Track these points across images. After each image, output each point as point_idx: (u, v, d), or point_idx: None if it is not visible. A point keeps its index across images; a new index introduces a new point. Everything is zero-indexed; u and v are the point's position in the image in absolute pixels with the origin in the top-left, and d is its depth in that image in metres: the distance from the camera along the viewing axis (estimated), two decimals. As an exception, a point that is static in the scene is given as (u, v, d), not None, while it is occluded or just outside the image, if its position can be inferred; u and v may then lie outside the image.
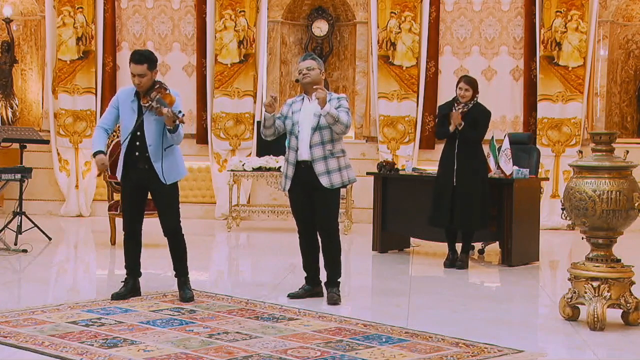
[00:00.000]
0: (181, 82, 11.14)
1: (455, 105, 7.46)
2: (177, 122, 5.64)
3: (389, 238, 8.54)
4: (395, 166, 8.82)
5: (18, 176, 8.39)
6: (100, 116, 11.39)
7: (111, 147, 8.83)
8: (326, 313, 5.46)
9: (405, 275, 7.33)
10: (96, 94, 11.52)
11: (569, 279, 5.33)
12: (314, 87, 5.75)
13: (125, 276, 5.94)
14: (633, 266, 5.28)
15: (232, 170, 10.23)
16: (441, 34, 11.40)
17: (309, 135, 5.80)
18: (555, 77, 10.89)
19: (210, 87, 11.30)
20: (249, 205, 11.16)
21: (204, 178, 11.53)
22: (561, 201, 5.34)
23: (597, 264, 5.20)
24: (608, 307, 5.14)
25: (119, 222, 8.54)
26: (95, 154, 5.79)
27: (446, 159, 7.52)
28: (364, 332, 4.94)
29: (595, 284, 5.14)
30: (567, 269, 5.42)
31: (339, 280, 5.95)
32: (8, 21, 11.72)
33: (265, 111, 5.84)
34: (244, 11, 11.28)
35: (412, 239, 8.75)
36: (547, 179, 10.32)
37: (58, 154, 11.62)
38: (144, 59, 5.70)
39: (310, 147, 5.80)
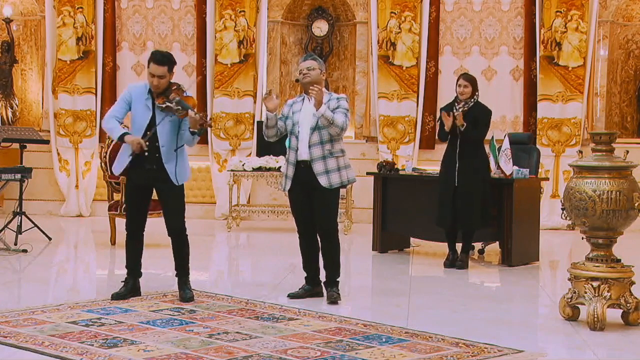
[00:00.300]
0: (181, 82, 11.06)
1: (456, 104, 7.47)
2: (205, 126, 5.63)
3: (389, 238, 8.54)
4: (395, 166, 8.82)
5: (18, 176, 8.39)
6: (101, 116, 11.50)
7: (111, 146, 8.84)
8: (326, 313, 5.46)
9: (405, 275, 7.33)
10: (96, 94, 11.53)
11: (569, 279, 5.33)
12: (311, 87, 5.75)
13: (126, 276, 5.94)
14: (633, 266, 5.28)
15: (232, 170, 10.24)
16: (441, 34, 11.40)
17: (308, 135, 5.80)
18: (555, 77, 10.89)
19: (210, 87, 11.31)
20: (249, 205, 11.16)
21: (204, 178, 11.53)
22: (561, 201, 5.34)
23: (597, 264, 5.20)
24: (608, 307, 5.14)
25: (119, 222, 8.60)
26: (122, 137, 5.68)
27: (448, 159, 7.53)
28: (364, 332, 4.93)
29: (595, 284, 5.14)
30: (567, 269, 5.42)
31: (338, 280, 5.95)
32: (8, 21, 11.72)
33: (267, 110, 5.84)
34: (244, 11, 11.28)
35: (412, 239, 8.75)
36: (547, 179, 10.32)
37: (58, 154, 11.62)
38: (166, 60, 5.70)
39: (309, 147, 5.80)
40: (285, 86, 11.79)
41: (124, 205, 8.33)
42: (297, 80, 6.00)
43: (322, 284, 6.04)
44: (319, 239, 5.96)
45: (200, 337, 4.74)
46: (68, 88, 11.48)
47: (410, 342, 4.69)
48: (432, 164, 9.83)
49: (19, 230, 8.56)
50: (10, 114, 11.90)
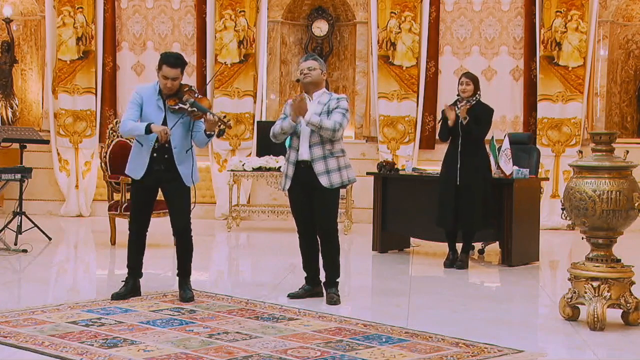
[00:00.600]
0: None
1: (458, 104, 7.47)
2: (222, 127, 5.62)
3: (389, 238, 8.54)
4: (395, 166, 8.82)
5: (18, 176, 8.38)
6: (100, 116, 11.50)
7: (111, 147, 8.84)
8: (326, 313, 5.46)
9: (405, 275, 7.33)
10: (96, 94, 11.53)
11: (569, 279, 5.33)
12: (293, 97, 5.74)
13: (126, 276, 5.94)
14: (633, 266, 5.28)
15: (232, 170, 10.24)
16: (441, 34, 11.40)
17: (308, 135, 5.80)
18: (555, 77, 10.89)
19: (210, 87, 11.30)
20: (249, 205, 11.16)
21: (204, 178, 11.50)
22: (561, 201, 5.34)
23: (597, 264, 5.20)
24: (608, 307, 5.14)
25: (119, 222, 8.61)
26: (148, 128, 5.55)
27: (450, 158, 7.53)
28: (364, 332, 4.93)
29: (595, 284, 5.14)
30: (567, 269, 5.42)
31: (337, 280, 5.95)
32: (8, 21, 11.72)
33: (292, 120, 5.76)
34: (244, 11, 11.28)
35: (412, 239, 8.75)
36: (547, 179, 10.32)
37: (58, 154, 11.62)
38: (179, 62, 5.68)
39: (310, 146, 5.80)
40: (285, 86, 11.79)
41: (124, 205, 8.35)
42: (298, 80, 6.00)
43: (322, 284, 6.04)
44: (319, 239, 5.96)
45: (200, 337, 4.74)
46: (68, 88, 11.48)
47: (410, 342, 4.69)
48: (432, 164, 9.83)
49: (19, 230, 8.56)
50: (10, 114, 11.90)
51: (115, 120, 9.52)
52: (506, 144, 7.68)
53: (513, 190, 7.66)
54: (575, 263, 5.33)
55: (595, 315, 5.08)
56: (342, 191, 8.33)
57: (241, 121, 11.33)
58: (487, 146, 7.68)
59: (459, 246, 7.66)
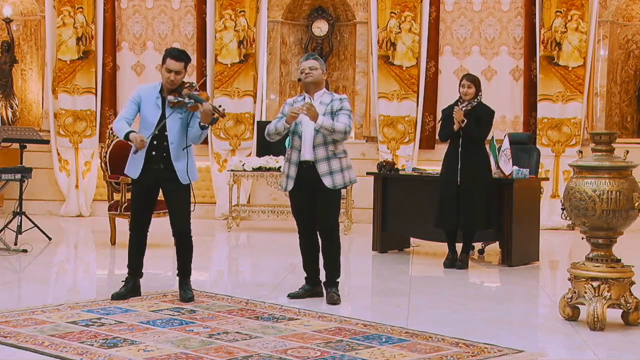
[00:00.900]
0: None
1: (459, 104, 7.47)
2: (217, 115, 5.62)
3: (389, 238, 8.54)
4: (395, 166, 8.82)
5: (18, 176, 8.38)
6: (101, 116, 11.50)
7: (111, 147, 8.84)
8: (326, 313, 5.46)
9: (405, 275, 7.33)
10: (96, 94, 11.53)
11: (569, 279, 5.33)
12: (304, 103, 5.73)
13: (127, 275, 5.94)
14: (633, 266, 5.28)
15: (232, 170, 10.24)
16: (441, 34, 11.40)
17: (311, 135, 5.80)
18: (555, 77, 10.89)
19: (210, 87, 11.30)
20: (249, 205, 11.16)
21: (204, 178, 11.52)
22: (561, 201, 5.34)
23: (597, 264, 5.20)
24: (608, 307, 5.14)
25: (119, 222, 8.61)
26: (127, 136, 5.62)
27: (450, 159, 7.53)
28: (364, 332, 4.93)
29: (595, 284, 5.14)
30: (567, 269, 5.42)
31: (338, 280, 5.95)
32: (8, 21, 11.72)
33: (286, 121, 5.80)
34: (244, 11, 11.28)
35: (412, 239, 8.75)
36: (547, 179, 10.32)
37: (58, 154, 11.62)
38: (183, 56, 5.74)
39: (314, 147, 5.79)
40: (285, 86, 11.79)
41: (124, 205, 8.35)
42: (299, 80, 6.00)
43: (322, 284, 6.04)
44: (320, 239, 5.97)
45: (200, 337, 4.74)
46: (68, 88, 11.48)
47: (410, 342, 4.69)
48: (432, 164, 9.83)
49: (19, 230, 8.56)
50: (10, 114, 11.90)
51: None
52: (506, 144, 7.68)
53: (513, 190, 7.65)
54: (575, 263, 5.33)
55: (595, 315, 5.08)
56: (342, 191, 8.32)
57: (241, 121, 11.33)
58: (487, 146, 7.69)
59: (458, 246, 7.66)
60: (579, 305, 5.31)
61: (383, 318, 5.36)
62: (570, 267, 5.35)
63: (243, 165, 10.15)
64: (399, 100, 11.21)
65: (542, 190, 8.61)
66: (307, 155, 5.82)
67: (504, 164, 7.67)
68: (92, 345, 4.52)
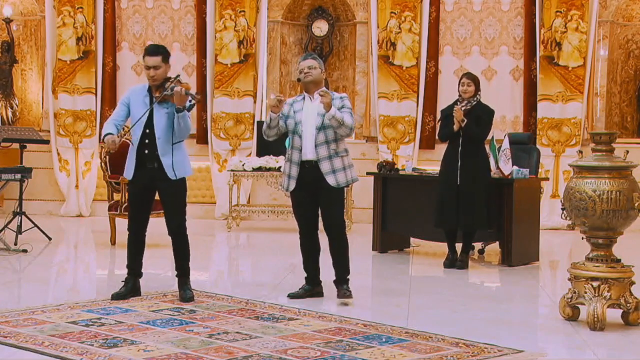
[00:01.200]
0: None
1: (458, 103, 7.47)
2: (191, 100, 5.61)
3: (389, 238, 8.54)
4: (395, 166, 8.82)
5: (18, 176, 8.39)
6: (101, 116, 11.50)
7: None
8: (326, 313, 5.46)
9: (405, 275, 7.33)
10: (96, 94, 11.53)
11: (569, 279, 5.33)
12: (318, 91, 5.76)
13: (126, 276, 5.94)
14: (633, 266, 5.28)
15: (232, 170, 10.24)
16: (441, 34, 11.40)
17: (313, 134, 5.80)
18: (555, 77, 10.89)
19: (210, 87, 11.31)
20: (249, 205, 11.16)
21: (204, 178, 11.53)
22: (561, 201, 5.34)
23: (597, 264, 5.20)
24: (608, 307, 5.14)
25: (119, 222, 8.60)
26: (104, 136, 5.71)
27: (449, 158, 7.52)
28: (364, 332, 4.93)
29: (595, 284, 5.14)
30: (567, 269, 5.42)
31: (348, 277, 5.95)
32: (8, 21, 11.72)
33: (271, 111, 5.84)
34: (244, 11, 11.28)
35: (412, 239, 8.75)
36: (547, 179, 10.32)
37: (58, 154, 11.62)
38: (159, 50, 5.81)
39: (316, 146, 5.79)
40: (285, 86, 11.79)
41: (124, 205, 8.35)
42: (298, 80, 6.00)
43: (321, 284, 6.05)
44: (319, 239, 5.97)
45: (200, 337, 4.74)
46: (68, 88, 11.48)
47: (410, 342, 4.69)
48: (432, 164, 9.82)
49: (19, 230, 8.56)
50: (10, 114, 11.90)
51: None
52: (506, 144, 7.67)
53: (513, 190, 7.65)
54: (575, 263, 5.33)
55: (595, 315, 5.08)
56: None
57: (241, 121, 11.33)
58: (487, 146, 7.69)
59: (458, 246, 7.66)
60: (579, 305, 5.31)
61: (383, 318, 5.36)
62: (570, 267, 5.35)
63: (243, 165, 10.15)
64: (399, 100, 11.21)
65: (542, 190, 8.61)
66: (309, 154, 5.82)
67: (504, 164, 7.67)
68: (92, 345, 4.52)
